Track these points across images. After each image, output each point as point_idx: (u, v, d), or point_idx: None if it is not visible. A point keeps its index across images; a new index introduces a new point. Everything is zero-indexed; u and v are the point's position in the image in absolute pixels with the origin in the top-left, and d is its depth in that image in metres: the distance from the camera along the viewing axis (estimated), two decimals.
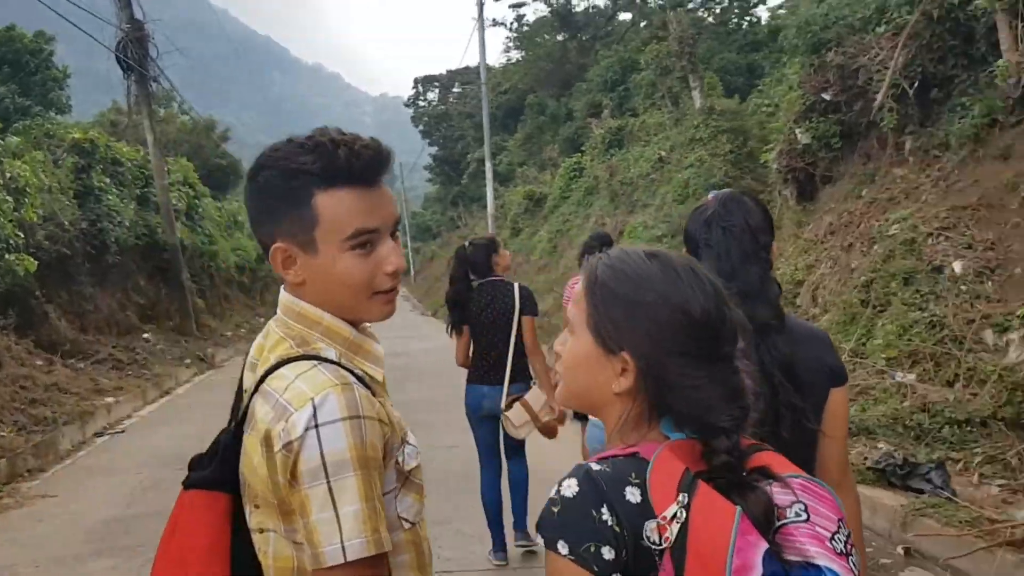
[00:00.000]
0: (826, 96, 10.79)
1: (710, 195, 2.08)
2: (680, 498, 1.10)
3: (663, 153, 20.19)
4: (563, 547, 1.13)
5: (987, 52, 8.95)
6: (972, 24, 8.98)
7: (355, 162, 1.33)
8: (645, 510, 1.14)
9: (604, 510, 1.14)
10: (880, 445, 6.73)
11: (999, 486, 6.08)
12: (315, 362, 1.33)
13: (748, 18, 31.16)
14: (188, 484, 1.41)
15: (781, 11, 23.79)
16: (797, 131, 11.22)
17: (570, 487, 1.17)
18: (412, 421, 1.60)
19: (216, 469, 1.39)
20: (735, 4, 31.59)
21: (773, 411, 1.72)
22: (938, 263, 7.98)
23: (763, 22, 28.27)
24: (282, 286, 1.46)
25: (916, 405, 7.00)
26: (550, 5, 40.53)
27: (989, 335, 7.12)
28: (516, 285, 5.34)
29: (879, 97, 9.44)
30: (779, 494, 1.15)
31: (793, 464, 1.23)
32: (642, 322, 1.20)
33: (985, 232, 7.94)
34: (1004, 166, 8.25)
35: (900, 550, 5.43)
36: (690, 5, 30.79)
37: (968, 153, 8.74)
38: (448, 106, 57.76)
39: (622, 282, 1.23)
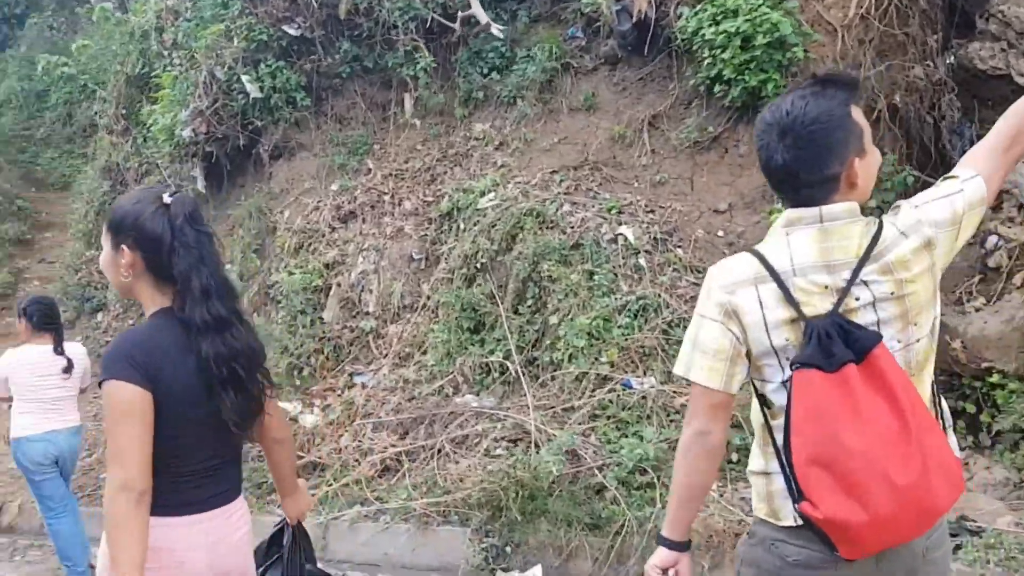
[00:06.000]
0: (292, 30, 7.69)
1: (165, 195, 1.99)
2: None
3: None
4: None
5: None
6: None
7: None
8: None
9: None
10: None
11: None
12: None
13: None
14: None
15: None
16: (244, 79, 7.73)
17: None
18: None
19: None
20: None
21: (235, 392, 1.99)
22: (595, 234, 6.25)
23: None
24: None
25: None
26: None
27: None
28: None
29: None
30: None
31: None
32: None
33: (621, 192, 6.59)
34: (597, 117, 7.04)
35: None
36: None
37: (542, 106, 7.20)
38: None
39: None
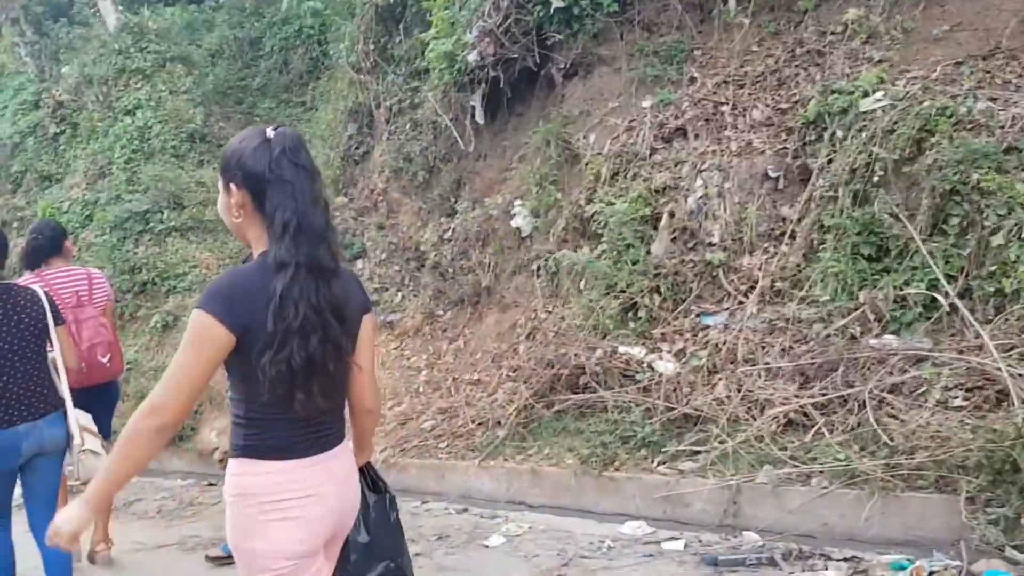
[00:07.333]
0: None
1: (268, 130, 1.96)
2: None
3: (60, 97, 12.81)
4: None
5: None
6: None
7: None
8: None
9: None
10: None
11: None
12: None
13: None
14: None
15: None
16: None
17: None
18: None
19: None
20: None
21: (323, 347, 1.90)
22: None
23: None
24: None
25: None
26: None
27: None
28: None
29: None
30: None
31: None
32: None
33: None
34: None
35: None
36: None
37: None
38: None
39: None
